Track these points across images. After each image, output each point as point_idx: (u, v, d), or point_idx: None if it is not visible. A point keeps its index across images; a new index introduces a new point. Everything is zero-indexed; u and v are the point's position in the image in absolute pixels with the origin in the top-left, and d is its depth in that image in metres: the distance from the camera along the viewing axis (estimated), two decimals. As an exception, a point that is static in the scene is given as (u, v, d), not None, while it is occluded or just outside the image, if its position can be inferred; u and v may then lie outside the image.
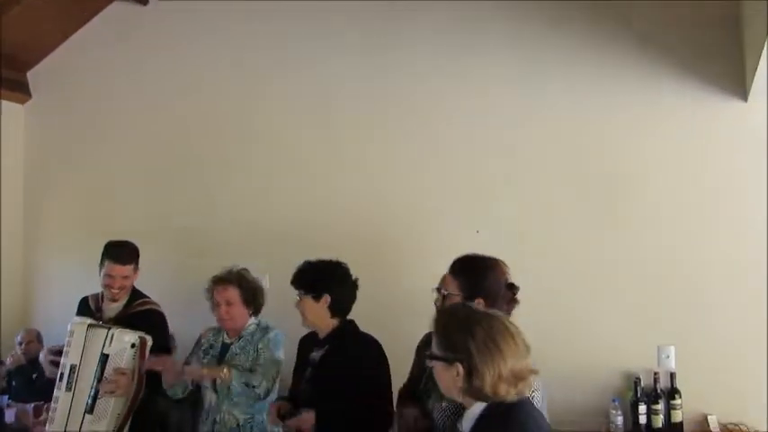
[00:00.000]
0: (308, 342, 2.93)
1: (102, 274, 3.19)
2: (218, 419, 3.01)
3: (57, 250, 4.82)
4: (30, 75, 4.87)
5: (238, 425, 2.98)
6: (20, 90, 4.85)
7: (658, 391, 3.33)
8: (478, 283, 2.22)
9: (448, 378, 1.68)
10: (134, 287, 3.31)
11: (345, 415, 2.60)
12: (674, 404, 3.31)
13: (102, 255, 3.21)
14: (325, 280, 2.80)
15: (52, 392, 4.15)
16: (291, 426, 2.67)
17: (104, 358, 2.98)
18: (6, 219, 4.75)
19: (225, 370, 2.87)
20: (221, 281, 3.08)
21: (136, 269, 3.27)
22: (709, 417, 3.29)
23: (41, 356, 4.06)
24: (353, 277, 2.88)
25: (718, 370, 3.32)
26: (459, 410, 1.99)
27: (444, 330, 1.72)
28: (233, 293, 3.05)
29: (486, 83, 3.84)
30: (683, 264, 3.45)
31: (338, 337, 2.82)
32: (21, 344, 4.46)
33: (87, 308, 3.27)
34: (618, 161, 3.58)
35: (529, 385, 1.67)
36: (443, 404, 2.10)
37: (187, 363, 3.11)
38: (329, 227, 3.99)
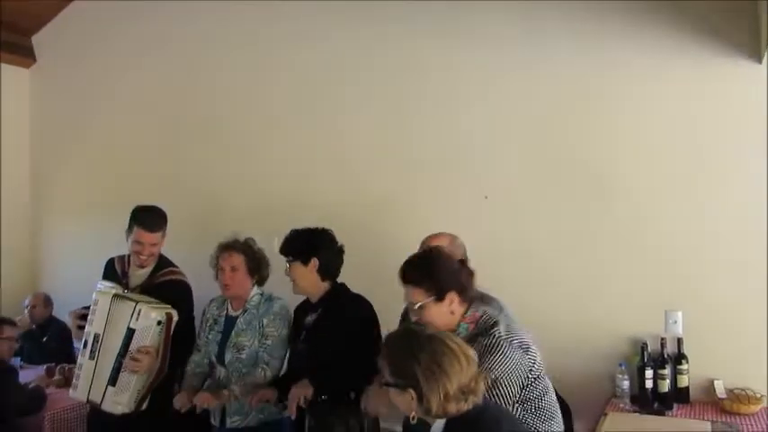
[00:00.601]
0: (302, 309, 2.99)
1: (130, 239, 3.14)
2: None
3: (64, 214, 4.84)
4: (34, 39, 4.84)
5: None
6: (24, 54, 4.84)
7: (665, 356, 3.32)
8: (442, 277, 2.20)
9: (404, 402, 1.74)
10: (161, 254, 3.27)
11: (339, 376, 2.67)
12: (680, 369, 3.31)
13: (131, 219, 3.15)
14: (313, 244, 2.89)
15: (61, 355, 4.25)
16: (292, 401, 2.69)
17: (130, 333, 2.95)
18: (13, 182, 4.77)
19: (225, 393, 2.89)
20: (227, 247, 3.07)
21: (164, 236, 3.23)
22: (715, 381, 3.28)
23: (69, 319, 4.04)
24: (339, 243, 2.98)
25: (724, 335, 3.30)
26: None
27: (392, 359, 1.76)
28: (238, 260, 3.04)
29: (486, 46, 3.80)
30: (691, 229, 3.41)
31: (330, 299, 2.89)
32: (28, 307, 4.52)
33: (113, 271, 3.25)
34: (626, 124, 3.53)
35: (480, 391, 1.72)
36: None
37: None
38: (332, 196, 4.05)
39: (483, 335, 2.15)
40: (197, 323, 3.28)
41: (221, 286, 3.07)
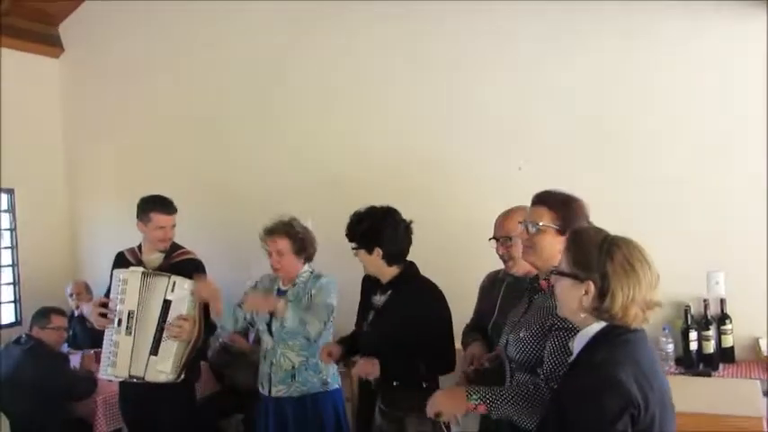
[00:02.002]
0: (372, 282, 2.96)
1: (149, 227, 3.24)
2: (274, 362, 3.10)
3: (98, 201, 4.90)
4: (61, 28, 4.86)
5: (293, 367, 3.07)
6: (52, 43, 4.86)
7: (708, 317, 3.34)
8: (573, 219, 2.14)
9: (573, 295, 1.68)
10: None
11: (409, 362, 2.64)
12: (724, 329, 3.33)
13: (145, 209, 3.25)
14: (375, 232, 2.80)
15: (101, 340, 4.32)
16: (357, 373, 2.71)
17: (167, 304, 3.08)
18: (47, 170, 4.83)
19: (282, 302, 2.95)
20: (271, 232, 3.12)
21: None
22: (760, 340, 3.30)
23: (86, 309, 4.13)
24: (406, 222, 2.87)
25: (767, 293, 3.30)
26: (540, 340, 2.04)
27: (581, 249, 1.69)
28: (283, 243, 3.09)
29: (503, 17, 3.82)
30: (734, 190, 3.41)
31: (399, 283, 2.84)
32: (71, 295, 4.59)
33: (126, 262, 3.34)
34: (659, 89, 3.53)
35: (648, 320, 1.67)
36: (521, 334, 2.11)
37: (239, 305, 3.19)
38: (371, 173, 4.05)
39: None
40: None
41: (272, 268, 3.15)
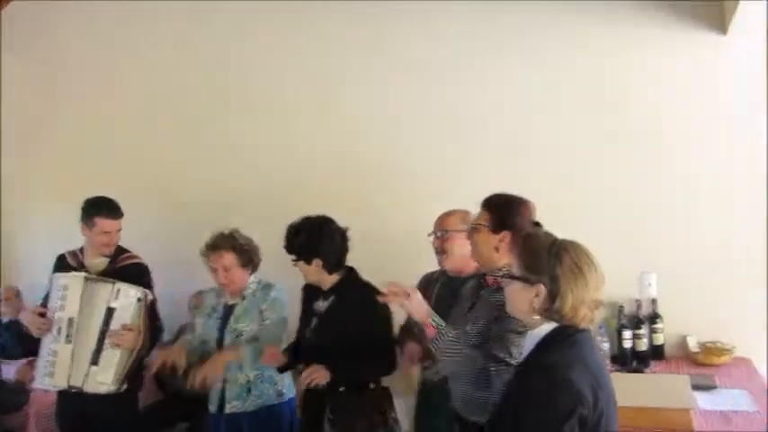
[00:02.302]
0: (313, 289, 2.99)
1: (93, 231, 3.11)
2: (228, 377, 3.02)
3: (33, 201, 4.73)
4: (4, 12, 4.66)
5: (249, 381, 3.02)
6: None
7: (641, 317, 3.51)
8: (508, 218, 2.29)
9: (524, 298, 1.74)
10: None
11: (356, 366, 2.70)
12: (655, 328, 3.50)
13: (90, 212, 3.12)
14: (313, 244, 2.84)
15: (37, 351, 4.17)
16: (305, 379, 2.72)
17: (110, 311, 2.97)
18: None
19: (233, 354, 2.93)
20: (214, 247, 3.04)
21: None
22: (688, 337, 3.50)
23: (23, 315, 3.99)
24: (342, 230, 2.91)
25: (695, 293, 3.49)
26: (487, 327, 2.17)
27: (530, 253, 1.76)
28: (228, 258, 3.02)
29: (472, 18, 3.87)
30: (660, 193, 3.60)
31: (341, 289, 2.89)
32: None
33: (67, 265, 3.21)
34: (603, 92, 3.68)
35: (593, 320, 1.75)
36: (467, 328, 2.23)
37: (182, 330, 3.13)
38: (316, 176, 4.04)
39: None
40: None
41: (219, 284, 3.10)
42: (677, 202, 3.57)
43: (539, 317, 1.73)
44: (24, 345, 4.11)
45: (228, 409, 3.03)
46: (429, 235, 2.92)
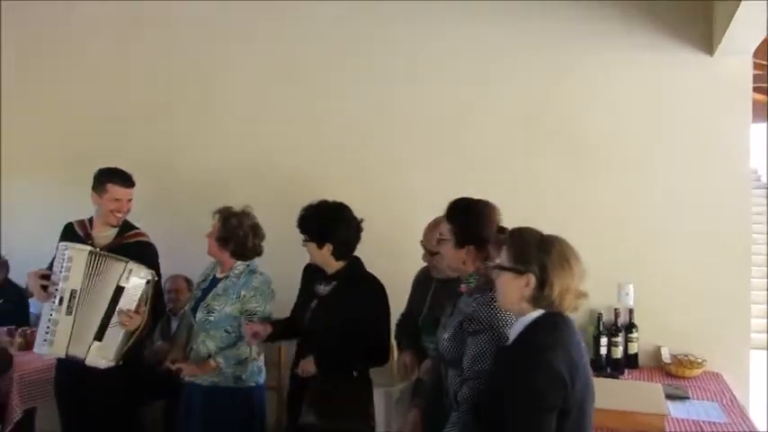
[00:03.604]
0: (315, 271, 3.02)
1: (104, 198, 3.14)
2: (194, 347, 3.11)
3: (19, 171, 4.72)
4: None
5: (210, 356, 3.06)
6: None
7: (618, 325, 3.59)
8: (472, 232, 2.31)
9: (514, 287, 1.88)
10: None
11: (346, 352, 2.76)
12: (631, 337, 3.59)
13: (102, 179, 3.15)
14: (328, 227, 2.89)
15: (19, 318, 4.17)
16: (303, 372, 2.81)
17: (119, 290, 3.01)
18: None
19: (212, 364, 3.01)
20: (215, 212, 3.15)
21: None
22: (662, 348, 3.59)
23: (30, 280, 3.91)
24: (357, 220, 2.96)
25: (671, 305, 3.60)
26: (462, 339, 2.19)
27: (520, 245, 1.91)
28: (214, 225, 3.13)
29: (459, 29, 3.97)
30: (642, 206, 3.71)
31: (345, 277, 2.93)
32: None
33: (75, 234, 3.22)
34: (584, 107, 3.79)
35: (576, 310, 1.89)
36: (446, 335, 2.25)
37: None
38: (320, 171, 4.10)
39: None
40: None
41: None
42: (658, 216, 3.68)
43: (528, 304, 1.87)
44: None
45: (188, 378, 3.09)
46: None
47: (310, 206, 2.95)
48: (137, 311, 3.02)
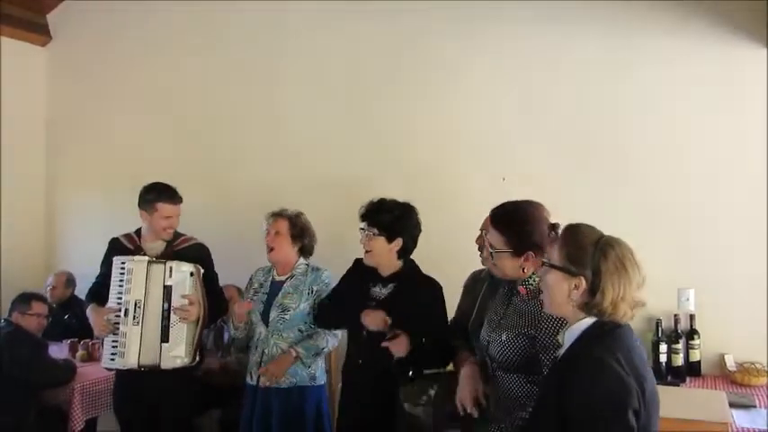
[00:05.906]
0: (366, 270, 2.95)
1: (154, 216, 3.23)
2: (266, 351, 3.16)
3: (79, 189, 4.87)
4: (50, 17, 4.83)
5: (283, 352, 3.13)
6: (39, 32, 4.82)
7: (678, 332, 3.47)
8: (527, 239, 2.20)
9: (562, 288, 1.75)
10: None
11: (420, 353, 2.67)
12: (692, 344, 3.47)
13: (149, 199, 3.25)
14: (403, 223, 2.87)
15: (83, 332, 4.28)
16: (385, 345, 2.67)
17: (168, 289, 3.13)
18: (28, 157, 4.77)
19: (293, 354, 3.07)
20: (275, 214, 3.25)
21: None
22: (726, 356, 3.45)
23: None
24: (420, 222, 2.95)
25: (734, 311, 3.46)
26: (519, 344, 2.12)
27: (575, 244, 1.76)
28: (282, 225, 3.21)
29: (502, 28, 3.94)
30: (702, 208, 3.57)
31: (405, 278, 2.89)
32: (48, 287, 4.54)
33: (124, 248, 3.31)
34: (644, 105, 3.67)
35: (631, 317, 1.74)
36: (503, 337, 2.18)
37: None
38: (354, 178, 4.13)
39: None
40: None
41: (267, 249, 3.22)
42: (720, 217, 3.54)
43: (575, 308, 1.73)
44: (66, 330, 4.27)
45: (263, 382, 3.12)
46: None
47: (383, 201, 2.91)
48: (190, 303, 3.12)
